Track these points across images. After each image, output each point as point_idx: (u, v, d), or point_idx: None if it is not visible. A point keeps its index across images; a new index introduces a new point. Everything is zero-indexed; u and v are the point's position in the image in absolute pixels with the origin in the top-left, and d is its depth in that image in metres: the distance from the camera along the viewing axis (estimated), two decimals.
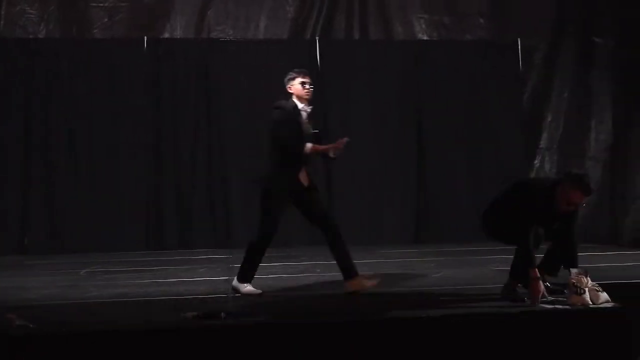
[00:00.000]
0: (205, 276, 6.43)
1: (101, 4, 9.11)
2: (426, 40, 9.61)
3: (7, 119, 8.72)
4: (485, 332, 4.27)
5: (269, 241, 5.17)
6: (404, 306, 4.69)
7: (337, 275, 6.31)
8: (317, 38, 9.35)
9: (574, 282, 4.47)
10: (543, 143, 9.73)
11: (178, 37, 9.25)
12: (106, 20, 9.13)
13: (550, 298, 4.57)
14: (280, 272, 6.66)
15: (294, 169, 5.10)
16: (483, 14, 9.64)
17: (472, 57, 9.40)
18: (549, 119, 9.75)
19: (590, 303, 4.44)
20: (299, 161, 5.10)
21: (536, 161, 9.70)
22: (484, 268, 6.44)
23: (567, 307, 4.44)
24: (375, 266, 6.88)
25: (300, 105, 5.15)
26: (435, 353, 4.19)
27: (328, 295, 5.26)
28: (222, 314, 4.29)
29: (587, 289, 4.45)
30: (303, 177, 5.15)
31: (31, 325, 4.13)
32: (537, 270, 4.54)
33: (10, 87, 8.74)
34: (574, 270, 4.60)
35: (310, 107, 5.21)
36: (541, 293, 4.48)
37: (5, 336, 3.98)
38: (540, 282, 4.51)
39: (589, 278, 4.50)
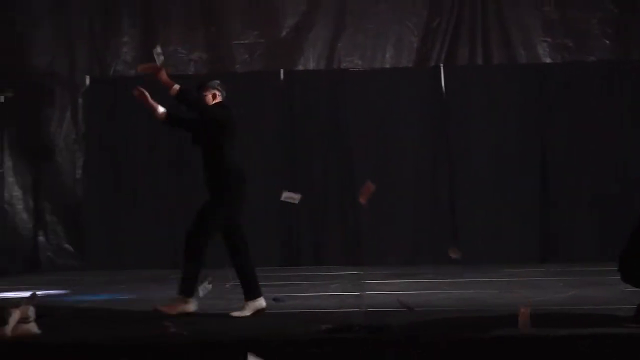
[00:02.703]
0: (338, 291, 6.44)
1: (242, 42, 9.45)
2: (549, 63, 9.24)
3: (161, 148, 9.08)
4: (619, 353, 3.98)
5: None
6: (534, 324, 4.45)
7: (461, 292, 6.17)
8: (441, 65, 9.23)
9: None
10: None
11: (311, 68, 9.43)
12: (246, 56, 9.46)
13: None
14: (407, 288, 6.56)
15: None
16: (607, 35, 9.16)
17: (597, 79, 8.92)
18: None
19: None
20: None
21: None
22: (615, 289, 6.03)
23: None
24: (501, 285, 6.65)
25: None
26: None
27: (453, 311, 5.10)
28: (356, 327, 4.25)
29: None
30: None
31: (184, 333, 4.28)
32: None
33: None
34: None
35: None
36: None
37: (160, 343, 4.14)
38: None
39: None
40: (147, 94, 5.01)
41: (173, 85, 4.86)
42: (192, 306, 5.00)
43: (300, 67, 9.43)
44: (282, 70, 9.24)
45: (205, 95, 5.07)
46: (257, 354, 3.96)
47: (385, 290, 6.39)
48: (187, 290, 4.98)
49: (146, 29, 9.48)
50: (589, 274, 7.20)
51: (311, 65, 9.44)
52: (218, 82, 5.17)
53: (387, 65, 9.40)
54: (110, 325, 4.83)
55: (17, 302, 4.48)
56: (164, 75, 4.87)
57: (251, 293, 5.04)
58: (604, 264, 7.27)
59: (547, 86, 8.97)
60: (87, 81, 9.28)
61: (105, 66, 9.50)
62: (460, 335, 4.23)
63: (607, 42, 9.14)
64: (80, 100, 9.38)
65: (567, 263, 8.25)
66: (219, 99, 5.13)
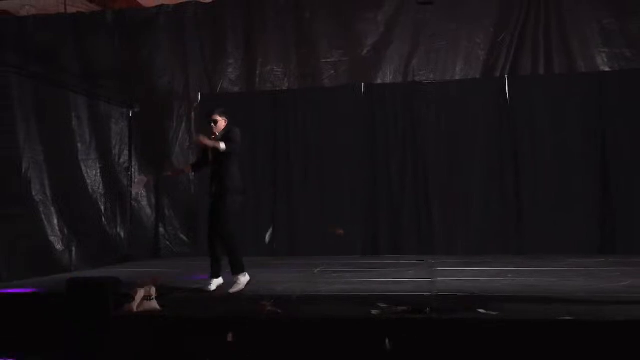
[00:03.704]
0: (413, 277, 6.40)
1: (329, 60, 9.54)
2: (608, 71, 8.82)
3: (260, 153, 9.38)
4: None
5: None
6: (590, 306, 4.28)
7: (526, 280, 6.00)
8: (506, 76, 9.00)
9: None
10: None
11: (388, 82, 9.40)
12: (333, 72, 9.54)
13: None
14: (475, 276, 6.44)
15: None
16: None
17: None
18: None
19: None
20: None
21: None
22: None
23: None
24: (561, 273, 6.43)
25: None
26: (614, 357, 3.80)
27: (519, 297, 4.97)
28: (427, 309, 4.24)
29: None
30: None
31: (279, 311, 4.38)
32: None
33: (263, 129, 9.39)
34: None
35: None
36: None
37: (258, 320, 4.26)
38: None
39: None
40: (205, 139, 5.38)
41: (219, 145, 5.38)
42: (247, 278, 5.48)
43: (379, 81, 9.42)
44: (363, 84, 9.27)
45: (219, 121, 5.58)
46: (339, 331, 4.02)
47: (455, 277, 6.31)
48: (240, 268, 5.44)
49: (247, 52, 9.74)
50: None
51: (388, 79, 9.42)
52: (223, 109, 5.66)
53: (457, 77, 9.25)
54: (218, 302, 5.00)
55: (142, 282, 4.70)
56: (210, 142, 5.38)
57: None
58: None
59: (605, 94, 8.57)
60: (199, 97, 9.62)
61: (214, 84, 9.82)
62: (519, 318, 4.14)
63: None
64: (193, 113, 9.74)
65: (625, 255, 7.87)
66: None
